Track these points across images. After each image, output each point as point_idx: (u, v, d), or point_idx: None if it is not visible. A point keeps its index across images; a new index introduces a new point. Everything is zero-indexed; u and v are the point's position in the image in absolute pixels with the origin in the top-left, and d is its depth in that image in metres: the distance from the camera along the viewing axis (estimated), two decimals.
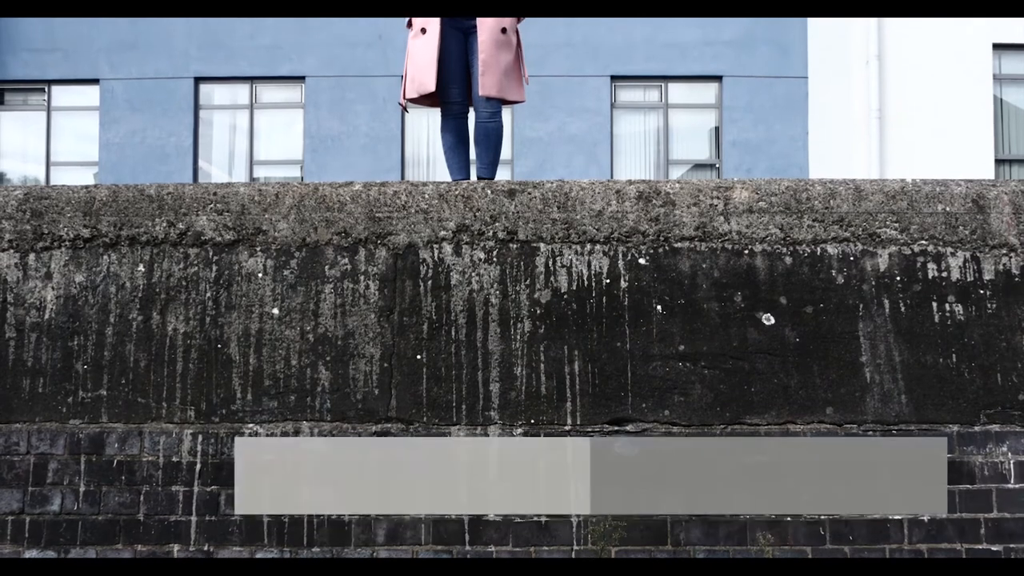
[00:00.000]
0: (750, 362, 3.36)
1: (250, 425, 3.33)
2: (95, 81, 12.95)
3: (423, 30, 4.23)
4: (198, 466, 3.30)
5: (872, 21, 10.89)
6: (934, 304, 3.41)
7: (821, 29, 12.20)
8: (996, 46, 11.12)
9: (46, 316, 3.43)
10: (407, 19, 4.36)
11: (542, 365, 3.35)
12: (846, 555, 3.23)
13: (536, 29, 12.46)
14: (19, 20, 12.98)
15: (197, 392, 3.36)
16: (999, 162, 11.19)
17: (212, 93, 13.02)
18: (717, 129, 12.79)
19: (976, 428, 3.32)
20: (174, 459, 3.31)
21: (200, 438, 3.32)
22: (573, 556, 3.21)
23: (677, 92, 12.82)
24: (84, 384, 3.38)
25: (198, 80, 12.91)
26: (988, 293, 3.42)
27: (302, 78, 12.85)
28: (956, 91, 11.02)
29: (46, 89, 13.05)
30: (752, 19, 12.69)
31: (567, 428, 3.31)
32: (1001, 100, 11.19)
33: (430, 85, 4.22)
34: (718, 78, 12.72)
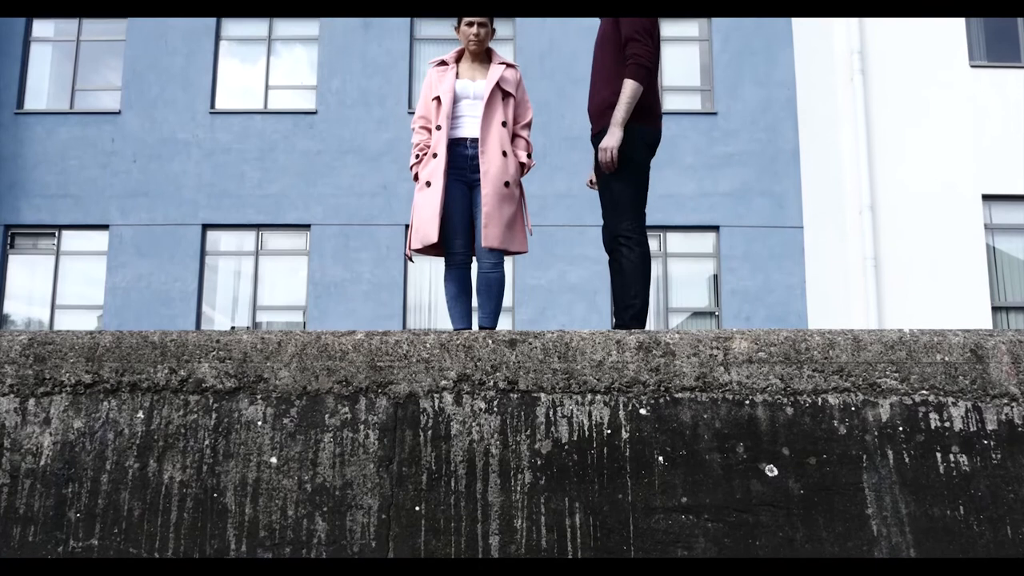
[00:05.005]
0: (754, 515, 3.30)
1: None
2: (105, 227, 13.22)
3: (428, 183, 4.40)
4: None
5: (864, 170, 11.19)
6: (938, 455, 3.38)
7: (815, 180, 12.53)
8: (986, 197, 11.40)
9: (42, 462, 3.40)
10: (414, 172, 4.53)
11: (543, 517, 3.29)
12: None
13: (538, 180, 12.80)
14: (34, 167, 13.35)
15: (190, 542, 3.29)
16: (996, 309, 11.29)
17: (219, 240, 13.28)
18: (716, 277, 12.96)
19: None
20: None
21: None
22: None
23: (675, 241, 13.06)
24: (75, 533, 3.32)
25: (205, 227, 13.18)
26: (992, 443, 3.40)
27: (307, 226, 13.13)
28: (949, 240, 11.24)
29: (56, 234, 13.31)
30: (747, 171, 13.03)
31: None
32: (994, 248, 11.39)
33: (433, 236, 4.35)
34: (715, 228, 12.99)
